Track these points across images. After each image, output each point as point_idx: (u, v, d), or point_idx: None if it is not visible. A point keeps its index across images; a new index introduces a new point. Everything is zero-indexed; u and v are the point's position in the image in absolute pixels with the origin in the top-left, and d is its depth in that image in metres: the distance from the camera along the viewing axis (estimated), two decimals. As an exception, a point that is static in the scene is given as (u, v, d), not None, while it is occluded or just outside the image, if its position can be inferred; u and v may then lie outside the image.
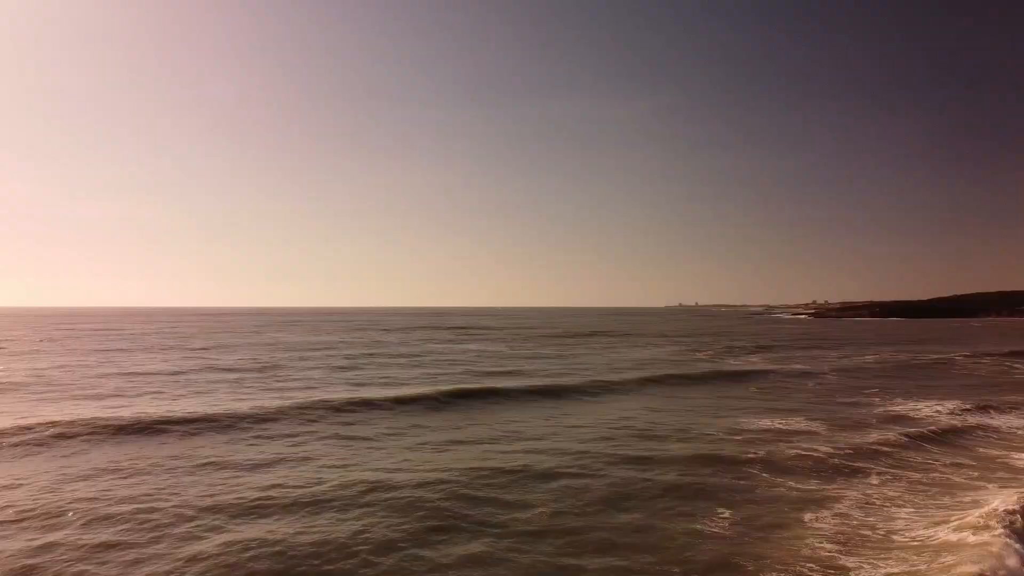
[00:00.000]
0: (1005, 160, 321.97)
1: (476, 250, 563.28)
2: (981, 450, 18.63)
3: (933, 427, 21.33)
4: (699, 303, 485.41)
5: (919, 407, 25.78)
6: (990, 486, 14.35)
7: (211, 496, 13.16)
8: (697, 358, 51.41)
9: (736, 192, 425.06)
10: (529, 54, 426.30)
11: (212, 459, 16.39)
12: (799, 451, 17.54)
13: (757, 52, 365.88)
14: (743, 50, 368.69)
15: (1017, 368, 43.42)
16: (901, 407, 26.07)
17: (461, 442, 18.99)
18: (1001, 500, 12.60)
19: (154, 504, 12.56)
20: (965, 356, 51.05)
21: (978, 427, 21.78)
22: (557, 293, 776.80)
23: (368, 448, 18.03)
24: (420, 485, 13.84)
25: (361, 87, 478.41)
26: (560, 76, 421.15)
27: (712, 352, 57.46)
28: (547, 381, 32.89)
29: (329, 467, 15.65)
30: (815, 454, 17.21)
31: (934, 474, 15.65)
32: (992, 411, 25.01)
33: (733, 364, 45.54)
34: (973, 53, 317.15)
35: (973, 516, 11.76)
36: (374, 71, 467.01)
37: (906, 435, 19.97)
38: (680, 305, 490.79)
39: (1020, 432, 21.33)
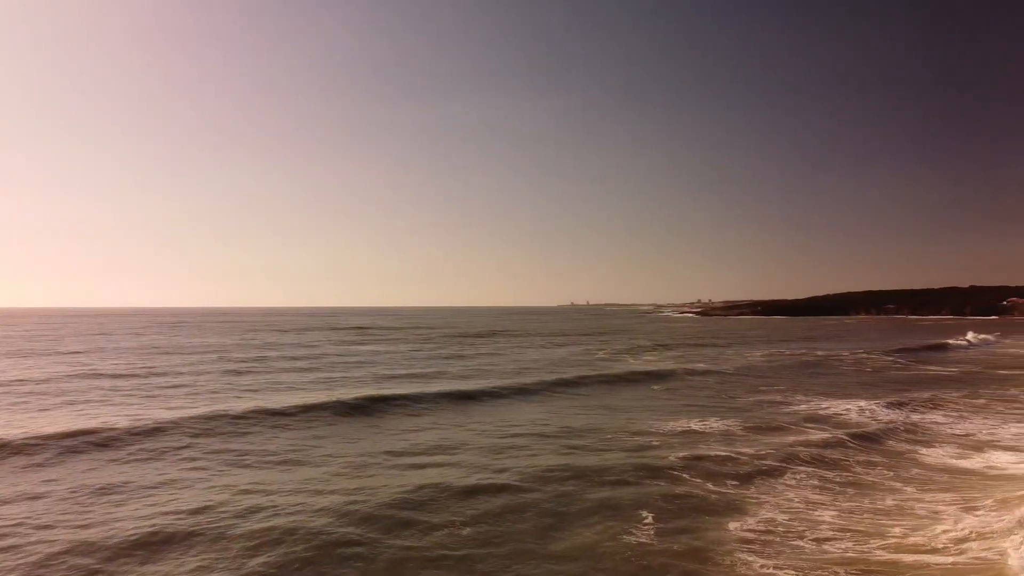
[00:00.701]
0: (872, 167, 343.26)
1: (368, 249, 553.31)
2: (897, 447, 18.99)
3: (848, 427, 21.74)
4: (590, 302, 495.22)
5: (827, 405, 26.51)
6: (908, 488, 14.52)
7: (85, 527, 11.60)
8: (601, 357, 51.55)
9: (624, 192, 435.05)
10: (429, 48, 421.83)
11: (86, 483, 14.49)
12: (719, 453, 17.37)
13: (660, 53, 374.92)
14: (649, 50, 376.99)
15: (913, 365, 45.95)
16: (809, 405, 26.77)
17: (369, 456, 17.65)
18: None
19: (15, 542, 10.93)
20: (862, 353, 53.26)
21: (893, 425, 22.28)
22: (450, 293, 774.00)
23: (265, 465, 16.48)
24: (322, 511, 12.50)
25: (235, 81, 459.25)
26: (465, 73, 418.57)
27: (615, 351, 57.90)
28: (458, 385, 31.65)
29: (219, 489, 14.04)
30: (737, 457, 17.07)
31: (849, 474, 15.74)
32: (904, 408, 25.83)
33: (638, 363, 45.75)
34: (847, 56, 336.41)
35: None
36: (247, 63, 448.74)
37: (823, 434, 20.25)
38: (572, 304, 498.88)
39: (934, 428, 22.01)
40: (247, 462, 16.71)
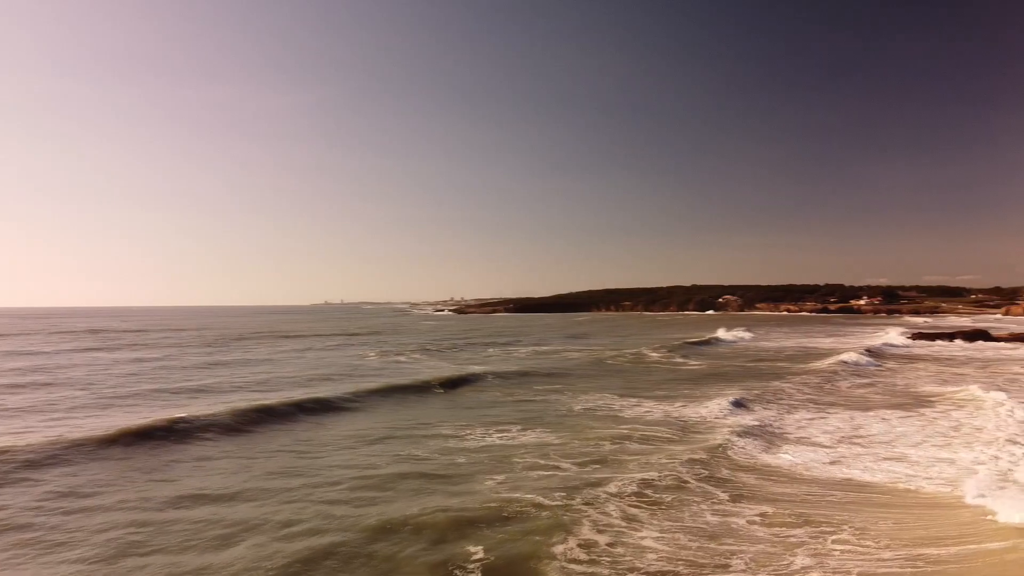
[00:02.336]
0: (606, 172, 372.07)
1: (98, 245, 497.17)
2: (724, 451, 19.27)
3: (670, 428, 22.33)
4: (344, 301, 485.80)
5: (631, 405, 27.37)
6: (741, 504, 14.86)
7: None
8: (399, 361, 49.16)
9: (376, 191, 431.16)
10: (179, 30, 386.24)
11: None
12: (540, 469, 16.97)
13: (428, 50, 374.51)
14: (411, 47, 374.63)
15: (694, 359, 49.94)
16: (614, 404, 27.56)
17: (144, 514, 14.38)
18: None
19: None
20: (646, 349, 55.81)
21: (702, 423, 23.27)
22: (193, 291, 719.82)
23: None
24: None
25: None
26: (217, 59, 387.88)
27: (400, 353, 55.86)
28: (247, 401, 26.88)
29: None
30: (559, 472, 16.75)
31: (672, 479, 15.73)
32: (689, 405, 27.13)
33: (433, 368, 43.05)
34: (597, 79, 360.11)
35: None
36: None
37: (642, 438, 20.58)
38: (326, 303, 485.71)
39: (741, 425, 22.76)
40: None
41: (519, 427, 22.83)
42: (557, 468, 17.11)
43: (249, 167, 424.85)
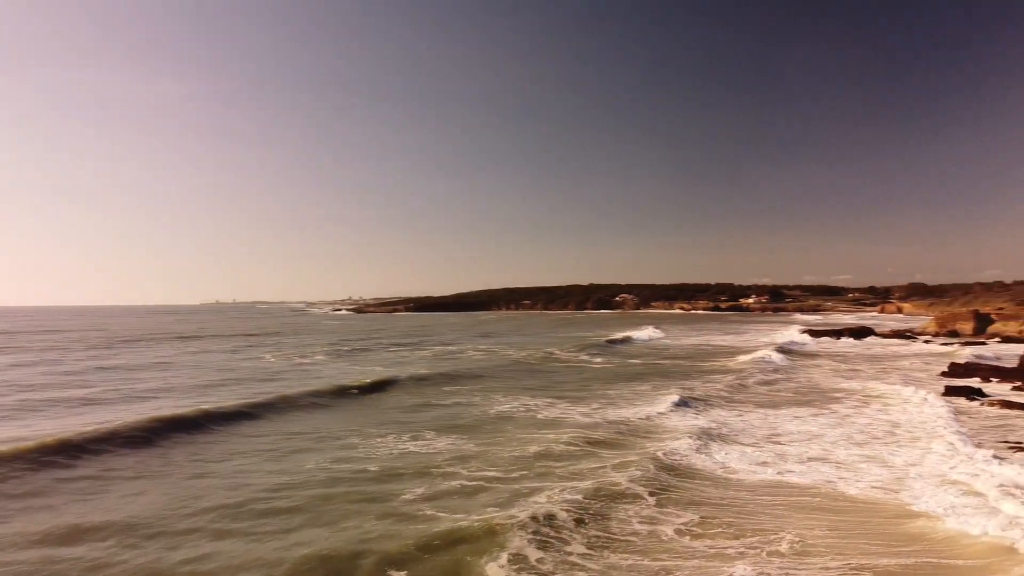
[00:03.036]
0: (496, 174, 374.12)
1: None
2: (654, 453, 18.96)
3: (594, 431, 21.74)
4: (237, 299, 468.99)
5: (552, 407, 26.93)
6: (671, 511, 14.41)
7: None
8: (304, 364, 46.55)
9: (272, 187, 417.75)
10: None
11: None
12: (459, 479, 16.14)
13: (321, 48, 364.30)
14: (303, 45, 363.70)
15: (613, 358, 49.89)
16: (536, 407, 26.98)
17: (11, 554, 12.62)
18: None
19: None
20: (568, 349, 55.53)
21: (627, 424, 22.83)
22: (67, 291, 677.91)
23: None
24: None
25: None
26: (93, 43, 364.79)
27: (305, 355, 52.99)
28: (136, 414, 23.78)
29: None
30: (484, 481, 15.99)
31: (603, 488, 15.08)
32: (618, 405, 26.85)
33: (341, 371, 41.15)
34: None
35: None
36: None
37: (569, 442, 19.83)
38: (217, 302, 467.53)
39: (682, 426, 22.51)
40: None
41: (434, 432, 21.84)
42: (483, 478, 16.33)
43: (130, 159, 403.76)
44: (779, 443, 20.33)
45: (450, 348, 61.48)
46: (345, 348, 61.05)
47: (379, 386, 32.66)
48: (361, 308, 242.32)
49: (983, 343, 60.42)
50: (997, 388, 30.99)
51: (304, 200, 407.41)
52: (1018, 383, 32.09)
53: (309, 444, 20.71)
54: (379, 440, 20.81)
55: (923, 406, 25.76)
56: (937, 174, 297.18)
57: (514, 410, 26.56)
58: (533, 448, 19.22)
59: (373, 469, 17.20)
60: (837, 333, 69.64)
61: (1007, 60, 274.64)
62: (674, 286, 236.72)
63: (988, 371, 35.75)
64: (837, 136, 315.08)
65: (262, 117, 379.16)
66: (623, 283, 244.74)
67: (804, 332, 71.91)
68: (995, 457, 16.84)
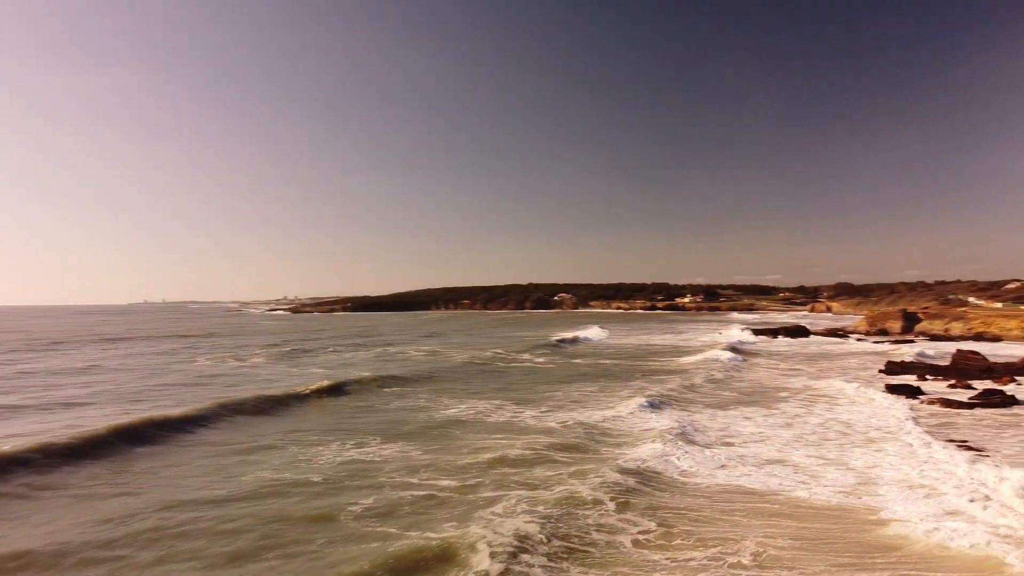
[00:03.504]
0: (432, 173, 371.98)
1: None
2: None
3: (550, 436, 21.09)
4: (166, 300, 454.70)
5: (504, 410, 26.19)
6: (630, 518, 13.90)
7: None
8: (242, 367, 44.05)
9: (203, 185, 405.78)
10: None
11: None
12: (411, 490, 15.28)
13: (262, 45, 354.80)
14: (244, 42, 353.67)
15: (565, 359, 49.44)
16: (487, 410, 26.23)
17: None
18: None
19: None
20: (517, 350, 54.68)
21: (585, 426, 22.17)
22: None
23: None
24: None
25: None
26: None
27: (243, 358, 50.46)
28: (57, 428, 22.00)
29: None
30: (438, 491, 15.13)
31: (557, 494, 14.47)
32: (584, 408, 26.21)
33: (283, 374, 39.51)
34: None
35: None
36: None
37: (525, 447, 19.10)
38: (146, 302, 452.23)
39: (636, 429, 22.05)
40: None
41: (381, 438, 20.85)
42: (436, 488, 15.41)
43: (51, 154, 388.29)
44: (734, 444, 20.11)
45: (394, 349, 59.68)
46: (285, 350, 58.31)
47: (322, 391, 31.01)
48: (298, 308, 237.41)
49: (912, 341, 62.33)
50: (934, 386, 31.66)
51: (236, 198, 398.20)
52: (952, 381, 32.88)
53: (248, 455, 19.45)
54: (322, 448, 19.72)
55: (870, 405, 26.02)
56: (862, 178, 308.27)
57: (464, 414, 25.78)
58: (487, 455, 18.44)
59: (317, 480, 16.21)
60: (774, 332, 70.90)
61: (927, 67, 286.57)
62: (612, 285, 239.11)
63: (923, 369, 36.65)
64: (767, 140, 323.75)
65: (190, 111, 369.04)
66: (561, 283, 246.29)
67: (746, 330, 73.02)
68: (970, 462, 16.51)
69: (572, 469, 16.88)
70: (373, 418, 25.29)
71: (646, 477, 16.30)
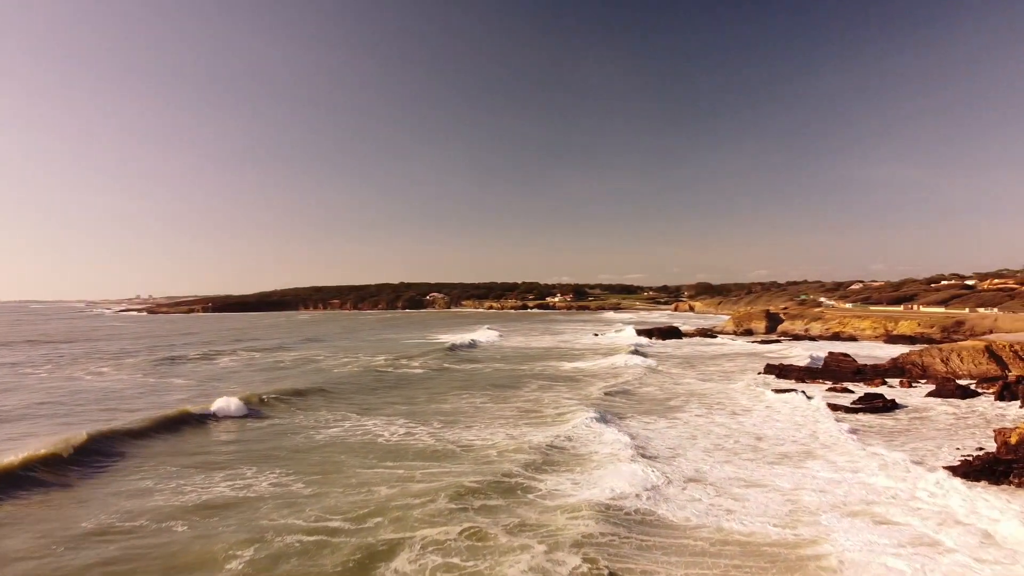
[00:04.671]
0: (294, 170, 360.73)
1: None
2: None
3: (455, 462, 18.88)
4: (2, 299, 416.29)
5: (396, 428, 23.69)
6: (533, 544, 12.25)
7: None
8: (98, 383, 37.65)
9: (43, 178, 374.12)
10: None
11: None
12: (298, 534, 12.83)
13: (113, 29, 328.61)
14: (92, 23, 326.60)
15: (479, 368, 45.95)
16: (367, 425, 23.64)
17: None
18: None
19: None
20: (412, 356, 51.52)
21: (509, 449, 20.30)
22: None
23: None
24: None
25: None
26: None
27: (93, 371, 43.60)
28: None
29: None
30: (328, 535, 12.74)
31: (459, 529, 12.65)
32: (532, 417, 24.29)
33: (142, 390, 35.01)
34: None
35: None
36: None
37: (427, 478, 16.34)
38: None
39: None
40: None
41: (255, 468, 18.09)
42: (326, 532, 13.04)
43: None
44: (650, 459, 18.70)
45: (276, 356, 54.07)
46: (157, 358, 51.48)
47: (186, 417, 25.94)
48: (154, 308, 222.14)
49: (777, 341, 64.79)
50: (814, 389, 31.92)
51: (80, 192, 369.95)
52: (829, 383, 33.50)
53: (90, 493, 16.31)
54: (183, 483, 16.84)
55: (771, 413, 25.63)
56: (718, 184, 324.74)
57: (357, 434, 23.17)
58: (383, 489, 16.11)
59: (181, 530, 13.45)
60: (649, 333, 71.80)
61: (784, 82, 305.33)
62: (484, 285, 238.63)
63: (800, 372, 37.22)
64: (631, 146, 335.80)
65: (28, 99, 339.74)
66: (433, 282, 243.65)
67: (628, 329, 73.41)
68: (945, 483, 15.33)
69: (480, 503, 14.98)
70: (248, 442, 22.26)
71: (554, 503, 14.62)
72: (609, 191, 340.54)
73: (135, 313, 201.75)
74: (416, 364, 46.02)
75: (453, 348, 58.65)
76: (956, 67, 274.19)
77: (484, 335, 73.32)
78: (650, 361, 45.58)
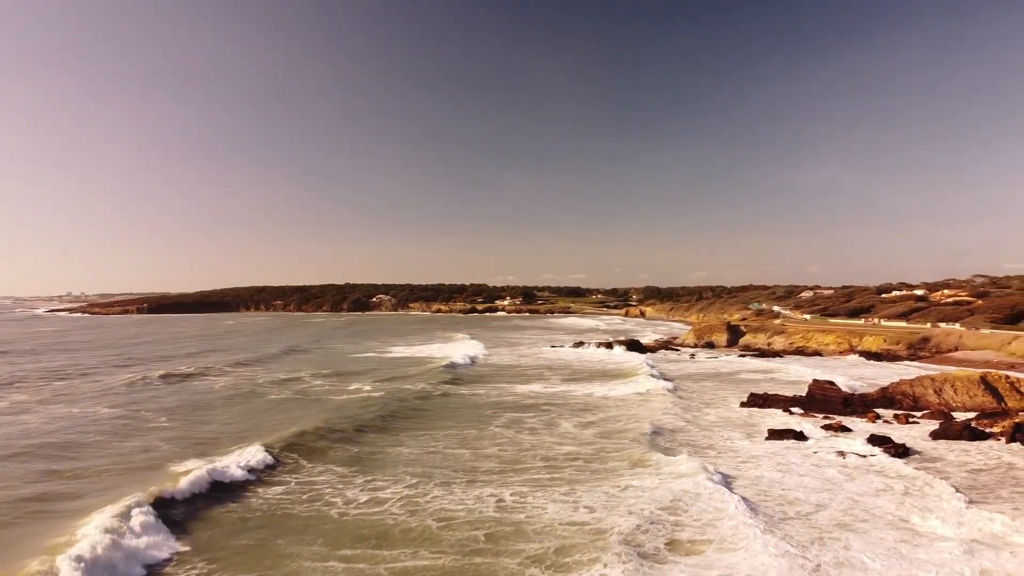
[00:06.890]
0: (219, 166, 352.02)
1: None
2: None
3: None
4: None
5: None
6: None
7: None
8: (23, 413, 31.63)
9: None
10: None
11: None
12: None
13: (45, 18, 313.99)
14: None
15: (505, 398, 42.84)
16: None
17: None
18: None
19: None
20: (425, 378, 48.27)
21: None
22: None
23: None
24: None
25: None
26: None
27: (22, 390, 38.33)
28: None
29: None
30: None
31: None
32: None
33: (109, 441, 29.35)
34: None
35: None
36: None
37: None
38: None
39: None
40: None
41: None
42: None
43: None
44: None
45: (255, 376, 48.24)
46: (117, 380, 44.48)
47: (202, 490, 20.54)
48: (87, 308, 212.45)
49: (742, 355, 64.71)
50: (807, 423, 30.80)
51: (8, 182, 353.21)
52: (818, 416, 32.48)
53: None
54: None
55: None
56: (656, 184, 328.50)
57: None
58: None
59: None
60: (609, 345, 71.09)
61: (732, 88, 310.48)
62: (431, 287, 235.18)
63: (785, 401, 36.30)
64: (575, 147, 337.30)
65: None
66: (380, 283, 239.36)
67: (616, 344, 71.31)
68: None
69: None
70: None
71: None
72: (553, 191, 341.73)
73: (68, 314, 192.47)
74: (423, 387, 41.61)
75: (452, 366, 52.68)
76: (895, 75, 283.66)
77: (471, 348, 69.09)
78: (674, 387, 42.22)
